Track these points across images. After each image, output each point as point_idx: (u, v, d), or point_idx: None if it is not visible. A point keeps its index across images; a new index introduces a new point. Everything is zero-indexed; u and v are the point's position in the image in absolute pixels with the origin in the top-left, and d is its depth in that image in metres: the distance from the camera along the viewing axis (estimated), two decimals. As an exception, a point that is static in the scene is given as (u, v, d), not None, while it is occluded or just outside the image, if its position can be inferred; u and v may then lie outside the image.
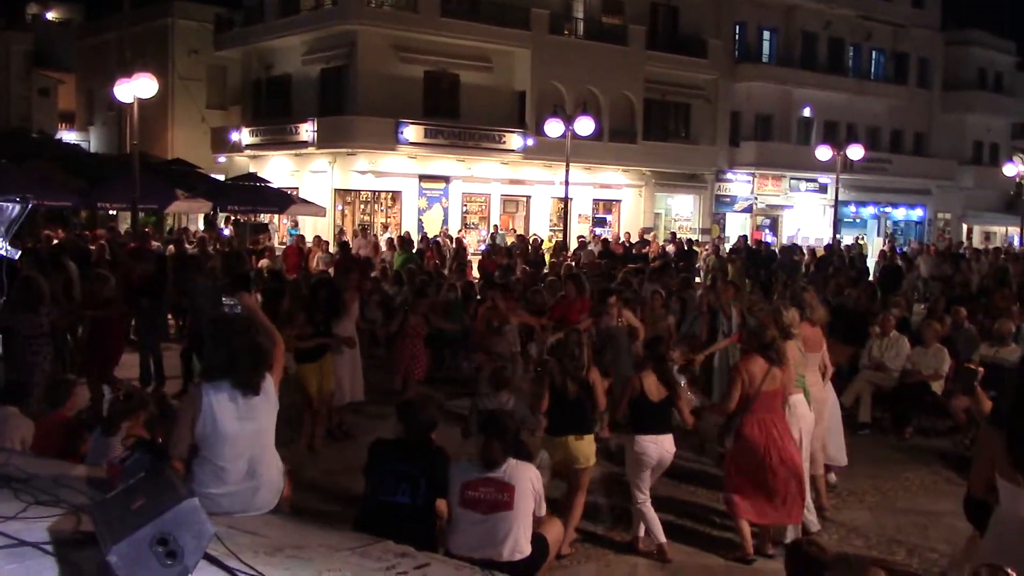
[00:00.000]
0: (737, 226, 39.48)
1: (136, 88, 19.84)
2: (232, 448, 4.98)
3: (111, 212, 27.70)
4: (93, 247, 18.34)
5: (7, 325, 8.21)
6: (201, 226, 28.80)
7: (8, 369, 8.06)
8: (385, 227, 30.28)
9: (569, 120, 27.12)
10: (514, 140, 31.83)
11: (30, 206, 3.68)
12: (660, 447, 7.43)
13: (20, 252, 3.59)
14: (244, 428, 5.03)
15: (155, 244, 21.14)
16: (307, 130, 30.45)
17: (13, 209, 3.64)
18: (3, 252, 3.49)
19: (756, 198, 40.38)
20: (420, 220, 31.86)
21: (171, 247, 21.05)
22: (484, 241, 30.79)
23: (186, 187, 25.29)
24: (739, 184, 39.89)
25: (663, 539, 7.31)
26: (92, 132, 43.16)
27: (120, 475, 5.08)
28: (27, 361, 8.49)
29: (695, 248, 28.66)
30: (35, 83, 44.34)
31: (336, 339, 9.99)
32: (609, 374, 9.63)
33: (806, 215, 41.50)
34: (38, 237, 19.24)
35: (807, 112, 41.28)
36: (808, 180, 40.64)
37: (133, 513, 4.21)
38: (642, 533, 7.43)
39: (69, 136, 43.86)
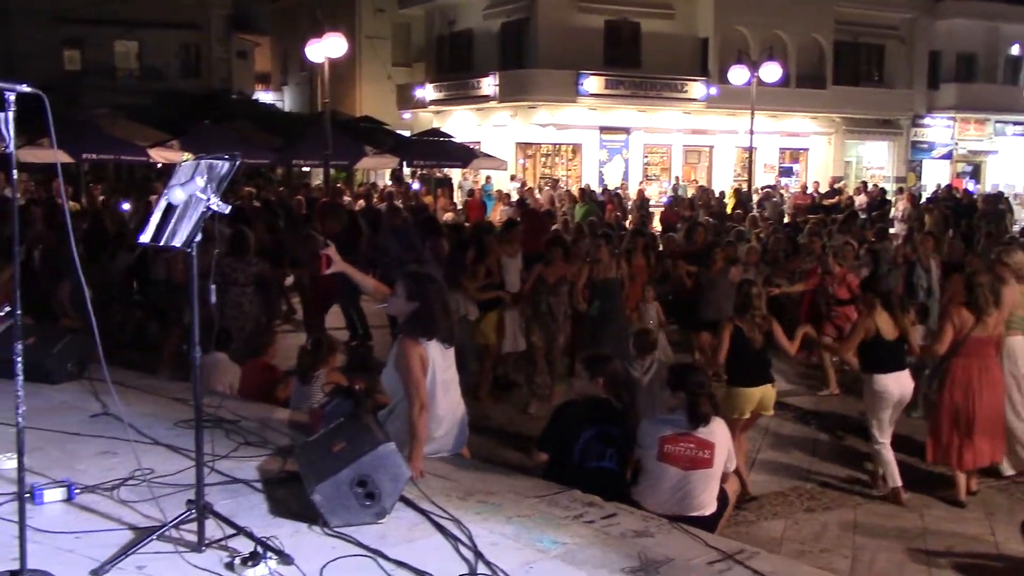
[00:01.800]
0: (935, 174, 37.27)
1: (326, 48, 20.50)
2: (445, 397, 5.14)
3: (304, 169, 28.88)
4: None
5: (221, 274, 8.78)
6: (388, 181, 29.65)
7: (219, 318, 8.60)
8: (554, 183, 30.25)
9: (754, 66, 26.23)
10: (696, 89, 31.10)
11: (238, 163, 3.87)
12: (900, 383, 7.54)
13: (230, 207, 3.78)
14: (449, 377, 5.18)
15: (346, 199, 21.92)
16: (489, 84, 30.74)
17: (223, 166, 3.83)
18: (215, 207, 3.68)
19: (956, 144, 37.96)
20: (600, 172, 31.72)
21: (361, 202, 21.81)
22: (665, 193, 30.37)
23: (374, 143, 26.04)
24: (938, 129, 37.62)
25: (899, 482, 7.39)
26: (286, 92, 45.05)
27: (321, 420, 5.35)
28: (235, 309, 9.03)
29: (888, 198, 27.32)
30: (234, 46, 46.55)
31: (507, 292, 10.17)
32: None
33: (1013, 161, 38.73)
34: (239, 194, 20.29)
35: (1015, 50, 38.37)
36: (1015, 123, 37.88)
37: (334, 456, 4.42)
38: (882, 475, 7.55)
39: (265, 96, 45.99)
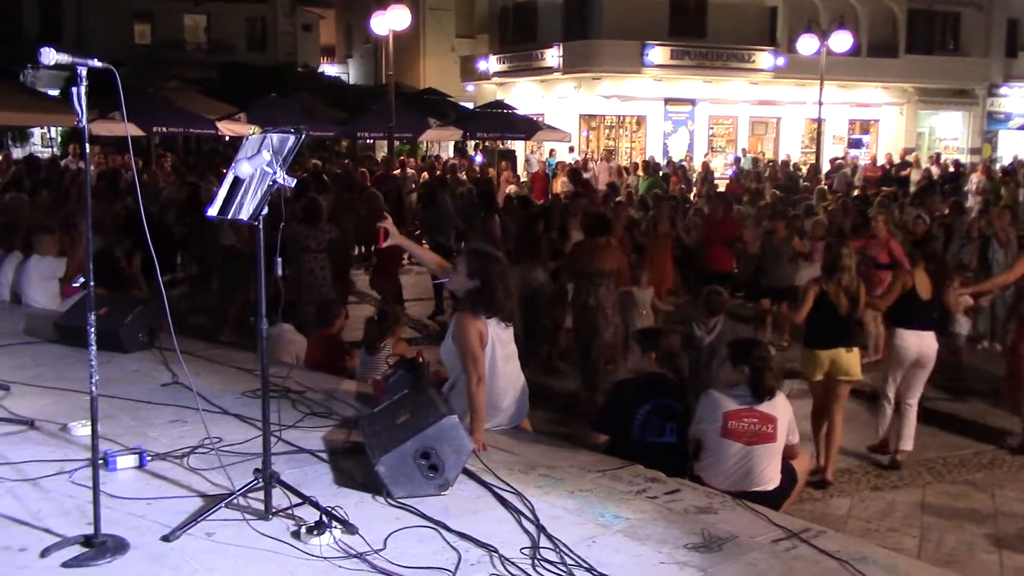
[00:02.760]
0: (1012, 145, 36.18)
1: (391, 20, 20.57)
2: (505, 370, 5.15)
3: (368, 141, 29.06)
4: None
5: (294, 241, 8.88)
6: (451, 153, 29.70)
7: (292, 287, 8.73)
8: (608, 154, 30.01)
9: (824, 35, 25.67)
10: (764, 59, 30.56)
11: (304, 137, 3.89)
12: (922, 342, 7.52)
13: (296, 180, 3.80)
14: (510, 351, 5.18)
15: (410, 171, 22.02)
16: (552, 55, 30.56)
17: (289, 140, 3.86)
18: (281, 180, 3.71)
19: (1034, 114, 36.85)
20: (665, 144, 31.39)
21: (424, 174, 21.89)
22: (731, 165, 29.96)
23: (437, 116, 26.11)
24: (1015, 99, 36.48)
25: (908, 447, 7.48)
26: (351, 64, 45.30)
27: (385, 391, 5.39)
28: (309, 276, 9.16)
29: (963, 169, 26.62)
30: (299, 19, 46.90)
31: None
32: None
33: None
34: (304, 166, 20.50)
35: (1098, 16, 37.02)
36: (1097, 92, 36.63)
37: (398, 427, 4.45)
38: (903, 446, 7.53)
39: (330, 69, 46.30)
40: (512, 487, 4.38)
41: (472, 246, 5.77)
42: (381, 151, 27.93)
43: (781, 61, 30.26)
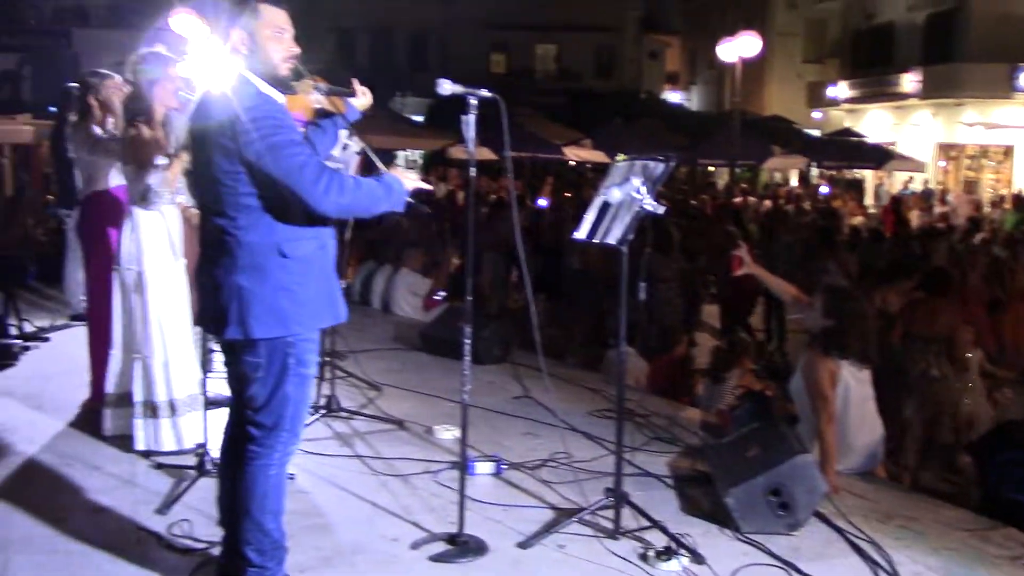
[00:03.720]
0: None
1: (739, 47, 20.40)
2: (859, 413, 4.94)
3: (708, 169, 28.91)
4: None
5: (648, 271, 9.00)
6: (794, 182, 28.87)
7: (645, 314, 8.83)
8: (968, 186, 27.67)
9: None
10: None
11: (673, 165, 3.94)
12: None
13: (665, 208, 3.86)
14: (865, 393, 4.96)
15: (751, 199, 21.65)
16: (910, 80, 28.82)
17: (657, 167, 3.92)
18: (650, 207, 3.77)
19: None
20: (1036, 176, 28.60)
21: (766, 202, 21.43)
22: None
23: (782, 143, 25.47)
24: None
25: None
26: (694, 91, 45.38)
27: (732, 422, 5.32)
28: (661, 305, 9.25)
29: None
30: (646, 47, 47.69)
31: None
32: None
33: None
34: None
35: None
36: None
37: (748, 460, 4.37)
38: None
39: (673, 96, 46.62)
40: (867, 535, 4.16)
41: (831, 282, 5.55)
42: (721, 178, 27.70)
43: None
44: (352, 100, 3.90)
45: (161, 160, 4.67)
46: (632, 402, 6.18)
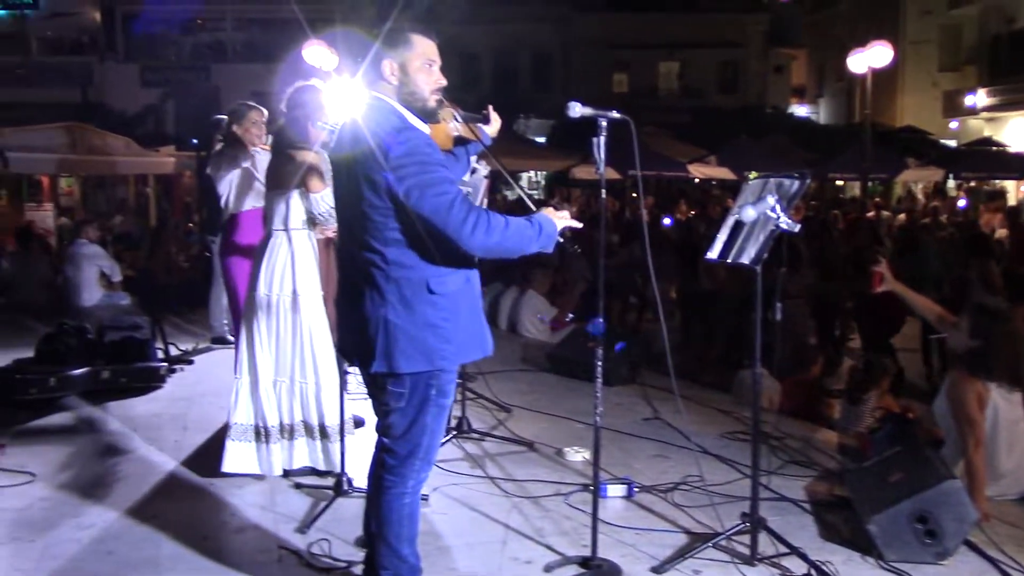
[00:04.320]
0: None
1: (870, 57, 19.80)
2: (1010, 436, 4.72)
3: (838, 183, 28.14)
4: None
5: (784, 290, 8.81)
6: (931, 195, 27.79)
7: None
8: None
9: None
10: None
11: (808, 182, 3.85)
12: None
13: (799, 225, 3.77)
14: (1016, 416, 4.73)
15: (884, 214, 20.98)
16: (1054, 86, 27.50)
17: (792, 185, 3.84)
18: (785, 225, 3.69)
19: None
20: None
21: (900, 216, 20.73)
22: None
23: (916, 154, 24.60)
24: None
25: None
26: (821, 104, 44.31)
27: (871, 445, 5.14)
28: (788, 322, 9.03)
29: None
30: (770, 61, 46.83)
31: None
32: None
33: None
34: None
35: None
36: None
37: (890, 486, 4.22)
38: None
39: (799, 110, 45.64)
40: (1021, 565, 3.95)
41: (980, 301, 5.32)
42: (851, 192, 26.92)
43: None
44: (484, 126, 3.95)
45: (321, 187, 4.73)
46: (766, 424, 6.05)
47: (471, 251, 3.11)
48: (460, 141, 3.91)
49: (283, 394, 4.88)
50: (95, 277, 10.79)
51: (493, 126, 3.99)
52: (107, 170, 17.63)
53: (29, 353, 6.96)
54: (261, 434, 4.88)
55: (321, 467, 4.92)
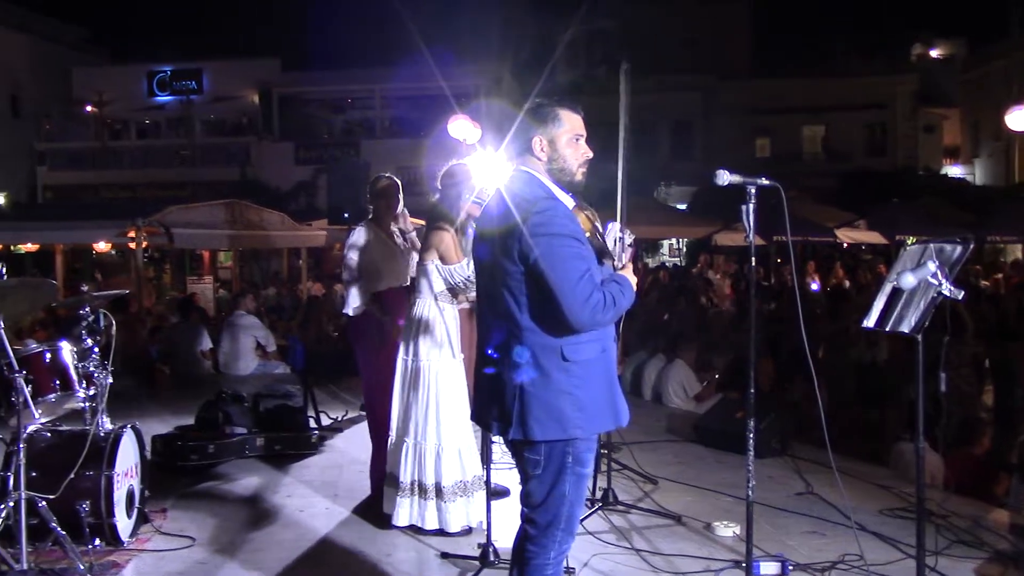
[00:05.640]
0: None
1: (1030, 114, 18.98)
2: None
3: (999, 245, 26.89)
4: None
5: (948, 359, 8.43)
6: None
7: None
8: None
9: None
10: None
11: (971, 247, 3.68)
12: None
13: (963, 291, 3.60)
14: None
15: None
16: None
17: (956, 250, 3.68)
18: (947, 292, 3.53)
19: None
20: None
21: (1068, 280, 19.59)
22: None
23: (1085, 213, 23.28)
24: None
25: None
26: (977, 164, 42.61)
27: (1048, 526, 4.80)
28: (953, 393, 8.61)
29: None
30: (921, 121, 45.46)
31: None
32: None
33: None
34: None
35: None
36: None
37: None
38: None
39: (953, 170, 44.00)
40: None
41: None
42: (1012, 254, 25.66)
43: None
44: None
45: (455, 259, 5.00)
46: (930, 501, 5.73)
47: (576, 326, 3.09)
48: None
49: (408, 453, 5.09)
50: (251, 347, 11.21)
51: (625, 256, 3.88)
52: (263, 244, 18.45)
53: (190, 420, 7.28)
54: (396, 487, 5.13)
55: (427, 526, 5.04)
